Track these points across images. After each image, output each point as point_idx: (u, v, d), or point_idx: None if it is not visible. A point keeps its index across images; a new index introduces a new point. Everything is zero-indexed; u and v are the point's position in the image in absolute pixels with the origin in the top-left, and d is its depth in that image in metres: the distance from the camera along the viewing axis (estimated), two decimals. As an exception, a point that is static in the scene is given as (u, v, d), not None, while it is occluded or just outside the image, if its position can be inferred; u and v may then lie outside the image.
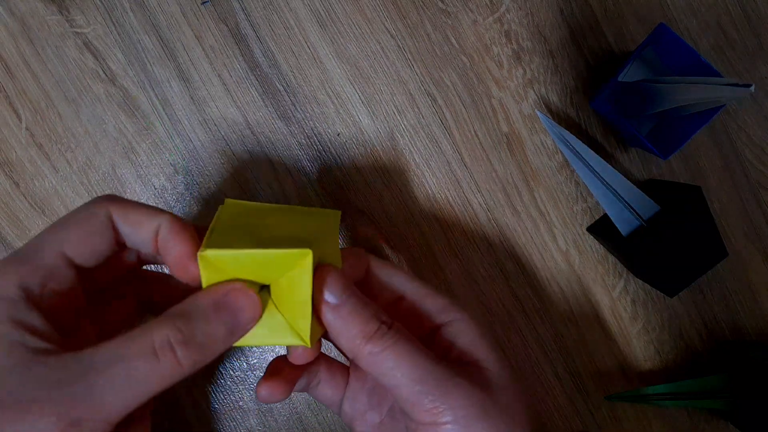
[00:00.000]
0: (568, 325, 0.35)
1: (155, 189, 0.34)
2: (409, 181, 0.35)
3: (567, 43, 0.35)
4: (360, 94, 0.34)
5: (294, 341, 0.24)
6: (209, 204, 0.34)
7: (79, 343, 0.21)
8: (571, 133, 0.33)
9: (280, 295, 0.24)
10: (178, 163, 0.34)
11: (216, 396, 0.34)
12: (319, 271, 0.24)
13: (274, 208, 0.29)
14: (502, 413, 0.24)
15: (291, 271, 0.23)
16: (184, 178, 0.34)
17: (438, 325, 0.27)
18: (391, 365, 0.23)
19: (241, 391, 0.34)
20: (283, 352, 0.33)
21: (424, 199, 0.35)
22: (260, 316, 0.24)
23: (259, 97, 0.34)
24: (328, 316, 0.24)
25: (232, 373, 0.34)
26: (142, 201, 0.33)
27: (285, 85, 0.34)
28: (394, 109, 0.34)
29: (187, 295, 0.23)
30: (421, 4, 0.34)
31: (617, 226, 0.33)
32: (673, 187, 0.34)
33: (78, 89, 0.33)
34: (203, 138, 0.34)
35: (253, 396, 0.34)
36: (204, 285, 0.23)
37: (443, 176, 0.35)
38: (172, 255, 0.24)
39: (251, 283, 0.24)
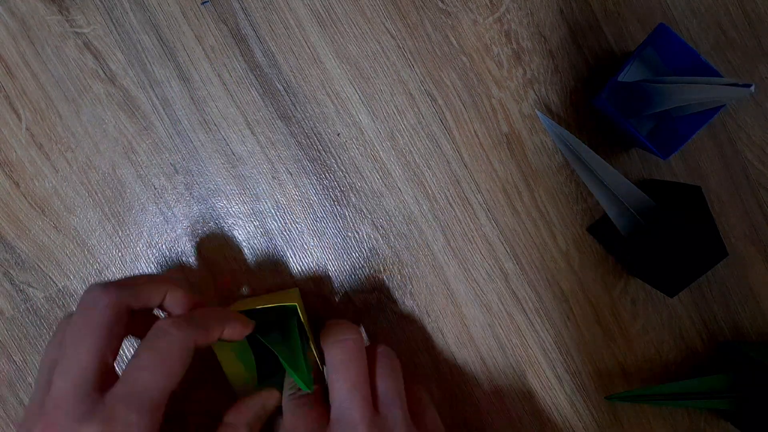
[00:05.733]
0: (568, 325, 0.35)
1: (155, 189, 0.34)
2: (408, 182, 0.35)
3: (567, 43, 0.35)
4: (360, 94, 0.34)
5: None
6: (209, 204, 0.34)
7: None
8: (571, 133, 0.33)
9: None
10: (178, 163, 0.34)
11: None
12: None
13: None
14: None
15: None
16: (184, 178, 0.34)
17: None
18: None
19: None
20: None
21: (424, 199, 0.35)
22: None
23: (259, 97, 0.34)
24: None
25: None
26: (142, 202, 0.33)
27: (285, 85, 0.34)
28: (394, 109, 0.34)
29: None
30: (421, 4, 0.34)
31: (617, 226, 0.33)
32: (673, 187, 0.34)
33: (78, 89, 0.33)
34: (203, 138, 0.34)
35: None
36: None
37: (443, 176, 0.35)
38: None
39: None
